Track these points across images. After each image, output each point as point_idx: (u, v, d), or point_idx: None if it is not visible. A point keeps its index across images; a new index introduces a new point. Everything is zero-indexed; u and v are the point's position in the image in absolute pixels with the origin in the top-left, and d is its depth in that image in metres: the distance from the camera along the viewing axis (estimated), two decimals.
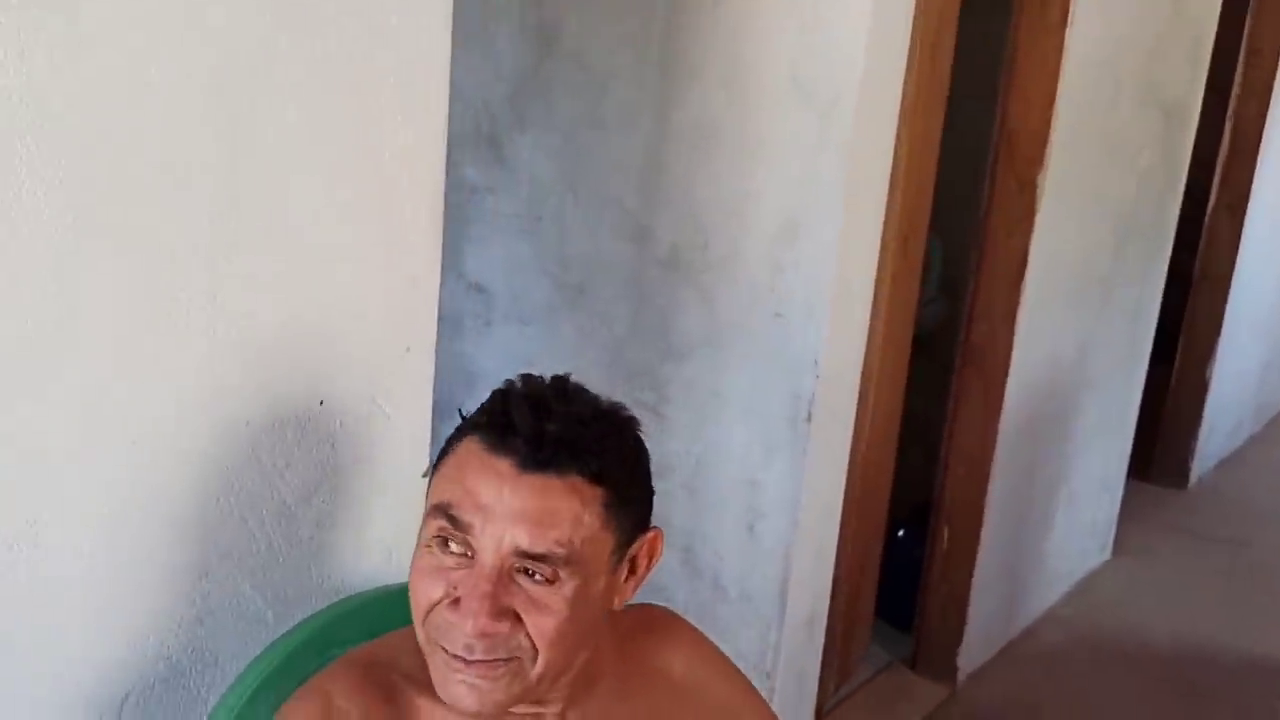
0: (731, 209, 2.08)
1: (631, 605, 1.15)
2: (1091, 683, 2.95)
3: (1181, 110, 3.07)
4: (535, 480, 0.90)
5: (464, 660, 0.91)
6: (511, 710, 0.97)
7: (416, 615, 0.94)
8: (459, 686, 0.92)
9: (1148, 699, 2.90)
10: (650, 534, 0.99)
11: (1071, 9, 2.44)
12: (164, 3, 1.02)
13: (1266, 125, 3.83)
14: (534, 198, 2.28)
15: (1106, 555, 3.53)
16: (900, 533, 3.13)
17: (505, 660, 0.92)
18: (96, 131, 0.99)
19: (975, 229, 2.68)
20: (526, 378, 0.96)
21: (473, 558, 0.91)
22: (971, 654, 2.91)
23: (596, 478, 0.92)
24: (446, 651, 0.92)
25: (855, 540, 2.68)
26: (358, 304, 1.26)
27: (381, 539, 1.33)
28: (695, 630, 1.14)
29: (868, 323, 2.17)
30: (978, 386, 2.74)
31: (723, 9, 2.02)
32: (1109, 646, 3.09)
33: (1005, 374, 2.69)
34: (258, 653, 1.17)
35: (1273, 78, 3.79)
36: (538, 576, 0.91)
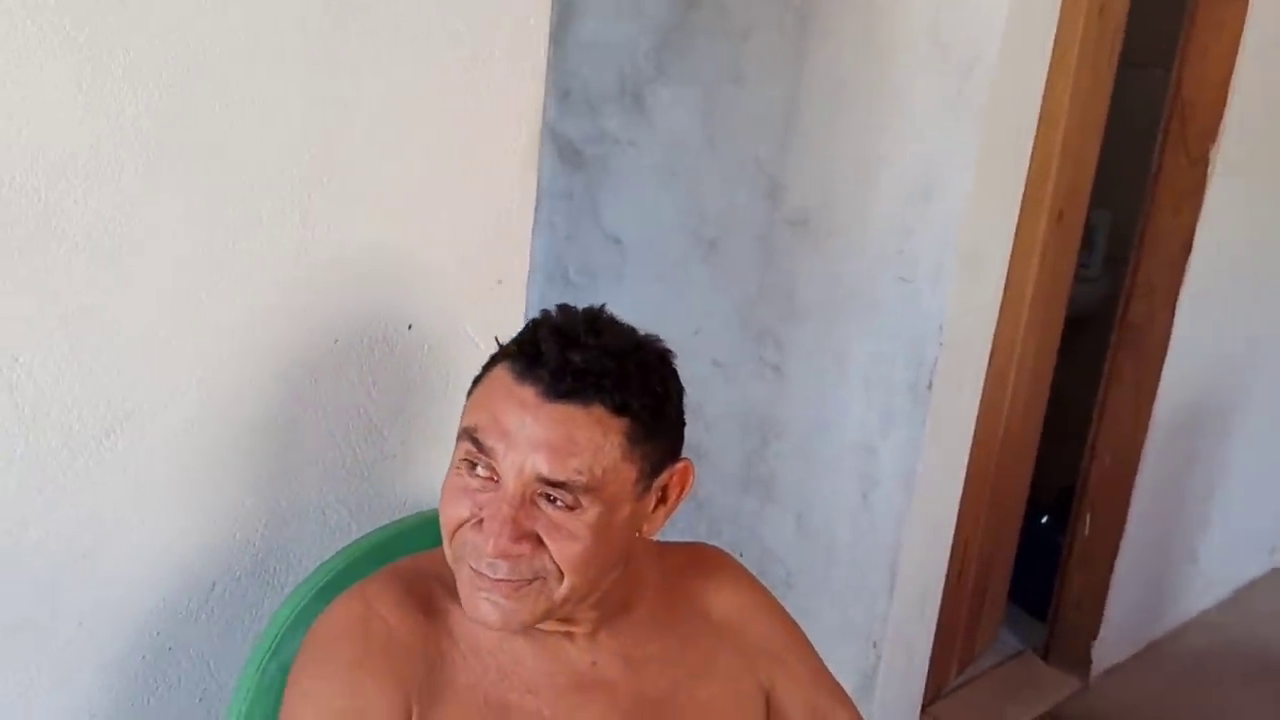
0: (863, 169, 2.04)
1: (684, 543, 1.17)
2: (1237, 696, 2.78)
3: None
4: (558, 409, 0.92)
5: (488, 578, 0.94)
6: (540, 626, 0.99)
7: (445, 533, 0.98)
8: (483, 603, 0.95)
9: None
10: (680, 465, 1.00)
11: None
12: None
13: None
14: (672, 151, 2.29)
15: (1273, 564, 3.31)
16: (1044, 518, 3.03)
17: (529, 580, 0.95)
18: (196, 50, 1.06)
19: (1142, 202, 2.55)
20: (562, 308, 0.98)
21: (497, 481, 0.94)
22: (1108, 649, 2.79)
23: (619, 409, 0.94)
24: (472, 569, 0.95)
25: (989, 521, 2.61)
26: (450, 234, 1.31)
27: None
28: (744, 570, 1.15)
29: (1000, 293, 2.10)
30: (1131, 369, 2.61)
31: None
32: (1262, 660, 2.91)
33: (1162, 358, 2.55)
34: None
35: None
36: (559, 503, 0.93)
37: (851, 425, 2.12)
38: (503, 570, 0.93)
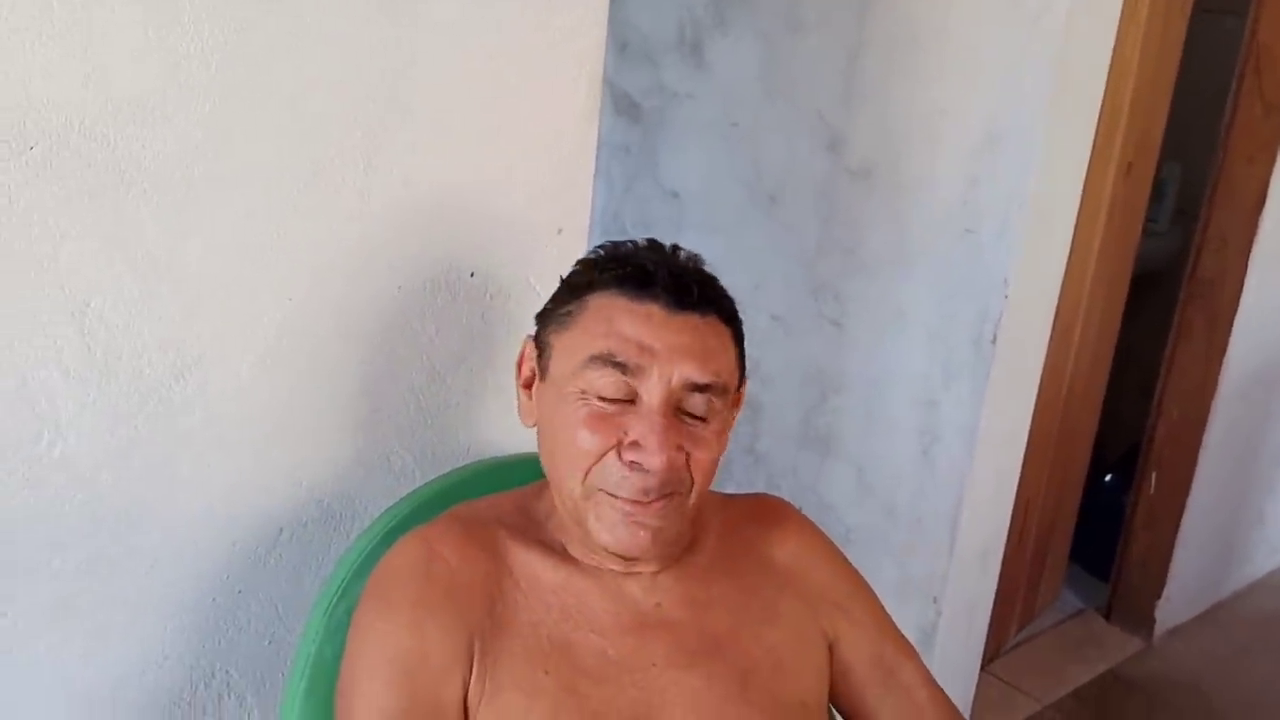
0: (928, 120, 2.01)
1: (748, 494, 1.17)
2: None
3: None
4: (687, 319, 0.95)
5: (641, 502, 0.95)
6: (609, 566, 1.00)
7: (576, 468, 0.96)
8: (635, 529, 0.95)
9: None
10: (743, 383, 1.04)
11: None
12: None
13: None
14: (731, 103, 2.27)
15: None
16: (1109, 476, 2.99)
17: (674, 494, 0.96)
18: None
19: (1214, 154, 2.49)
20: (614, 243, 1.01)
21: (634, 402, 0.94)
22: (1172, 609, 2.75)
23: (728, 317, 0.99)
24: (616, 497, 0.95)
25: (1051, 479, 2.58)
26: (512, 182, 1.30)
27: None
28: (805, 520, 1.14)
29: (1068, 247, 2.06)
30: (1201, 325, 2.55)
31: None
32: None
33: (1233, 314, 2.50)
34: None
35: None
36: (699, 409, 0.96)
37: (913, 380, 2.09)
38: (657, 488, 0.94)
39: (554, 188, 1.34)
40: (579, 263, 1.04)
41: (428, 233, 1.25)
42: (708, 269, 1.02)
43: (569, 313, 0.99)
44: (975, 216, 1.97)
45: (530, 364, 1.04)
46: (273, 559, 1.23)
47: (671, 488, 0.95)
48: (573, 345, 0.97)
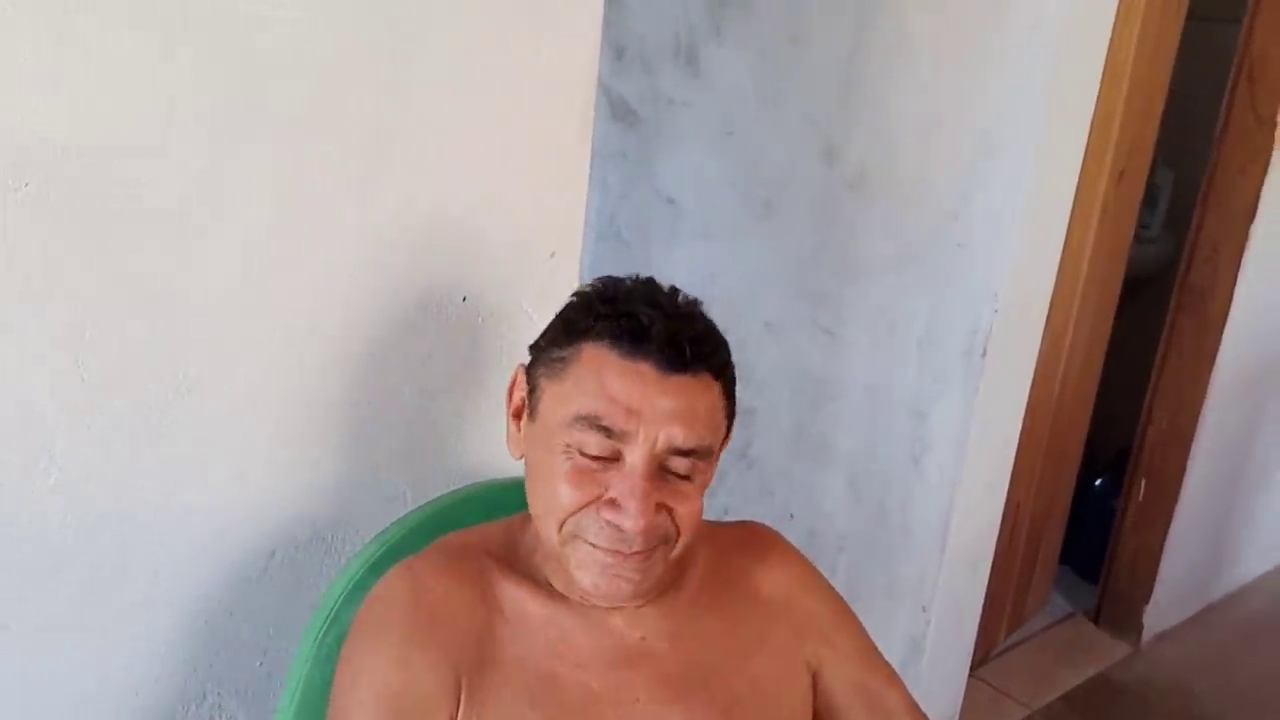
0: (923, 132, 2.02)
1: (735, 522, 1.18)
2: None
3: None
4: (677, 381, 0.95)
5: (622, 553, 0.96)
6: (592, 602, 1.01)
7: (554, 517, 0.97)
8: (615, 579, 0.97)
9: None
10: (734, 418, 1.04)
11: None
12: None
13: None
14: (728, 112, 2.27)
15: None
16: (1100, 480, 3.00)
17: (655, 548, 0.97)
18: (264, 23, 1.07)
19: (1207, 162, 2.49)
20: (612, 281, 1.00)
21: (619, 459, 0.95)
22: (1160, 613, 2.77)
23: (718, 372, 0.98)
24: (596, 547, 0.96)
25: (1042, 484, 2.59)
26: (505, 206, 1.31)
27: None
28: (794, 551, 1.15)
29: (1059, 258, 2.07)
30: (1192, 332, 2.57)
31: None
32: None
33: (1223, 321, 2.51)
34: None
35: None
36: (682, 469, 0.96)
37: (905, 389, 2.11)
38: (639, 543, 0.95)
39: (547, 212, 1.35)
40: (577, 297, 1.02)
41: (420, 257, 1.26)
42: (703, 309, 1.01)
43: (562, 359, 0.98)
44: (967, 229, 1.98)
45: (521, 393, 1.04)
46: (264, 581, 1.24)
47: (653, 542, 0.96)
48: (563, 396, 0.97)
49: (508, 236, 1.33)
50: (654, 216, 2.43)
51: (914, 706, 1.13)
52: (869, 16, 2.04)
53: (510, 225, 1.32)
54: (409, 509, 1.29)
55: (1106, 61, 2.00)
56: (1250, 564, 3.02)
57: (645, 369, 0.94)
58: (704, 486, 0.99)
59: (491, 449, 1.37)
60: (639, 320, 0.95)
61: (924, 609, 2.16)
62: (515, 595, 1.02)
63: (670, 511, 0.96)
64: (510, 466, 1.34)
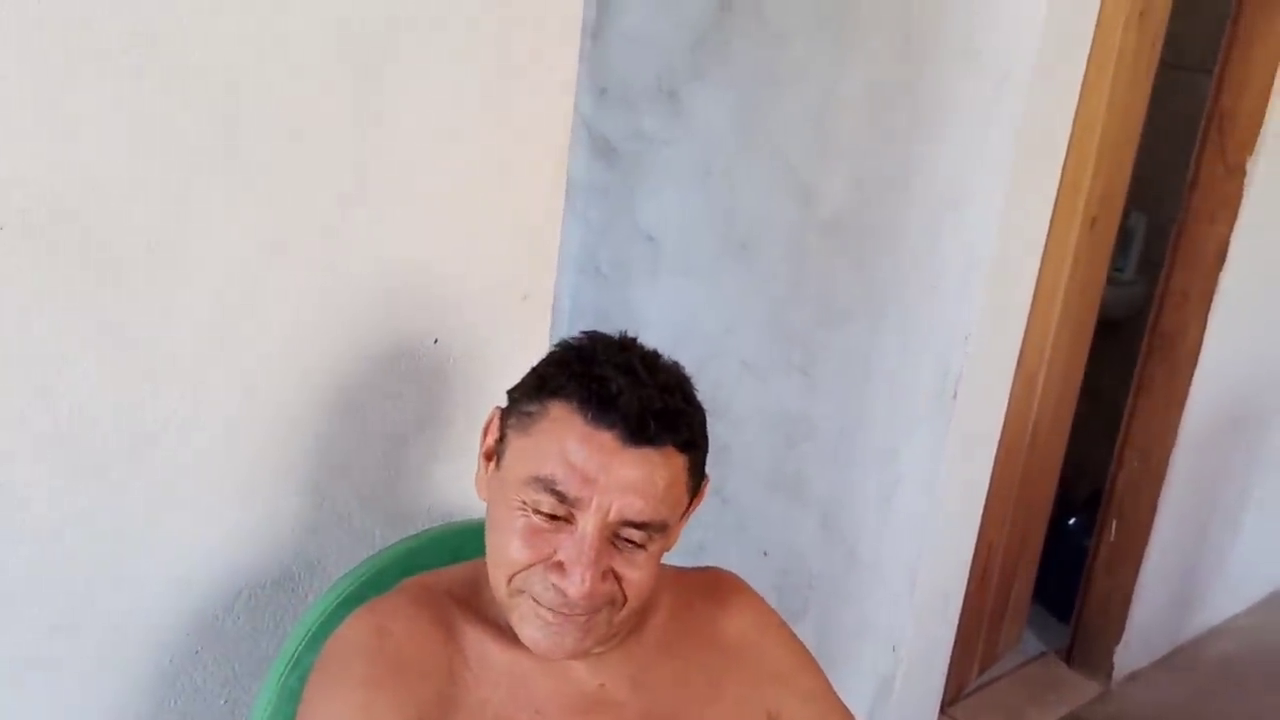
0: (895, 176, 2.05)
1: (699, 568, 1.19)
2: (1262, 702, 2.78)
3: None
4: (638, 454, 0.94)
5: (563, 614, 0.97)
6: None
7: (502, 570, 0.98)
8: (554, 636, 0.97)
9: None
10: (705, 482, 1.04)
11: None
12: None
13: None
14: (707, 151, 2.30)
15: None
16: (1073, 519, 3.03)
17: (598, 610, 0.98)
18: (236, 70, 1.08)
19: (1177, 209, 2.53)
20: (594, 337, 1.00)
21: (571, 521, 0.96)
22: (1131, 653, 2.79)
23: (684, 446, 0.98)
24: (540, 604, 0.97)
25: (1014, 525, 2.61)
26: (477, 249, 1.33)
27: None
28: (757, 597, 1.17)
29: (1030, 302, 2.10)
30: (1162, 376, 2.60)
31: None
32: None
33: (1193, 368, 2.54)
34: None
35: None
36: (635, 539, 0.96)
37: (877, 429, 2.13)
38: (581, 607, 0.96)
39: (520, 255, 1.37)
40: (559, 349, 1.02)
41: (392, 299, 1.27)
42: (682, 372, 1.01)
43: (530, 414, 0.99)
44: (938, 273, 2.00)
45: (494, 437, 1.05)
46: (230, 620, 1.25)
47: (598, 605, 0.97)
48: (525, 453, 0.98)
49: (480, 279, 1.34)
50: (634, 253, 2.45)
51: None
52: (845, 64, 2.07)
53: (483, 268, 1.34)
54: (378, 548, 1.30)
55: (1079, 109, 2.03)
56: (1220, 606, 3.04)
57: (607, 439, 0.94)
58: (659, 554, 0.99)
59: (460, 489, 1.38)
60: (609, 387, 0.94)
61: (894, 648, 2.17)
62: (478, 639, 1.03)
63: (619, 578, 0.97)
64: (479, 509, 1.36)
